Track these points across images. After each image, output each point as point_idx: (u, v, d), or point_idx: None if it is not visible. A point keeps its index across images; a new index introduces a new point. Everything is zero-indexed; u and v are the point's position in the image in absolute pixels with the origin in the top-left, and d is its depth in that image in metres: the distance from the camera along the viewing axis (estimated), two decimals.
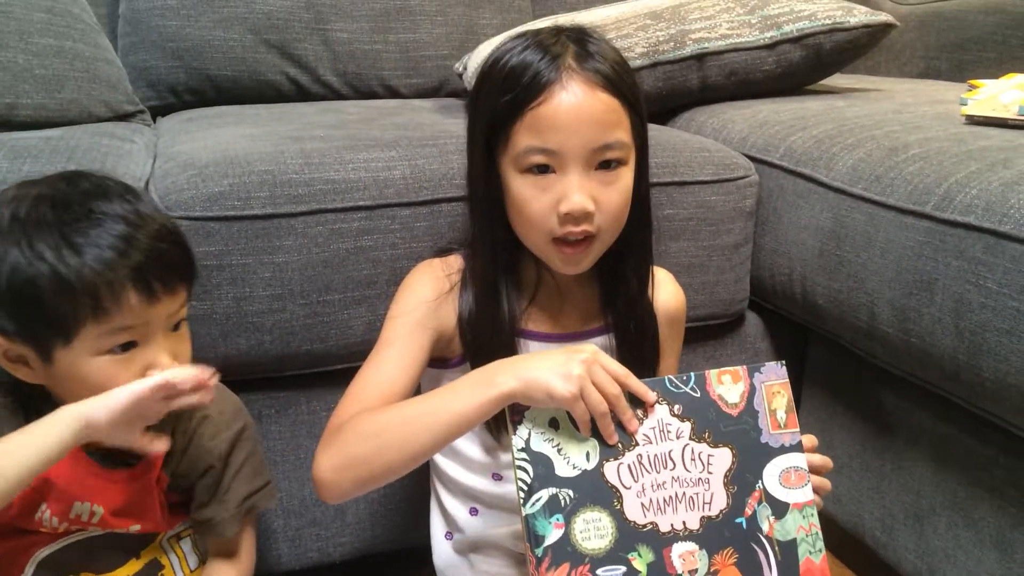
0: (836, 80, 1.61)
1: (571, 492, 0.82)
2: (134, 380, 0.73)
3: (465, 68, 1.44)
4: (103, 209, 0.73)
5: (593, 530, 0.80)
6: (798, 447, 0.81)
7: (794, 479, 0.81)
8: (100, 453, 0.81)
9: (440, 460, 0.96)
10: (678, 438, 0.81)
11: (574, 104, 0.79)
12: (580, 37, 0.83)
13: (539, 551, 0.83)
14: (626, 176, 0.84)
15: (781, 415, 0.82)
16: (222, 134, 1.15)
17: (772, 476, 0.80)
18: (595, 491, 0.81)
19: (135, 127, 1.27)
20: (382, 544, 1.13)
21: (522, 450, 0.85)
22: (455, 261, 0.92)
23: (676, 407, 0.82)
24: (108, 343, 0.73)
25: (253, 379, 1.02)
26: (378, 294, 1.01)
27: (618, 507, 0.80)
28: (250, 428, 0.87)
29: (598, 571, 0.79)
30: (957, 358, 0.88)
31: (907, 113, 1.19)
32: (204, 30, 1.49)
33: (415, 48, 1.62)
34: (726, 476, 0.81)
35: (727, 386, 0.83)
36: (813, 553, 0.79)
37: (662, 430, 0.81)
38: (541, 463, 0.84)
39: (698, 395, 0.82)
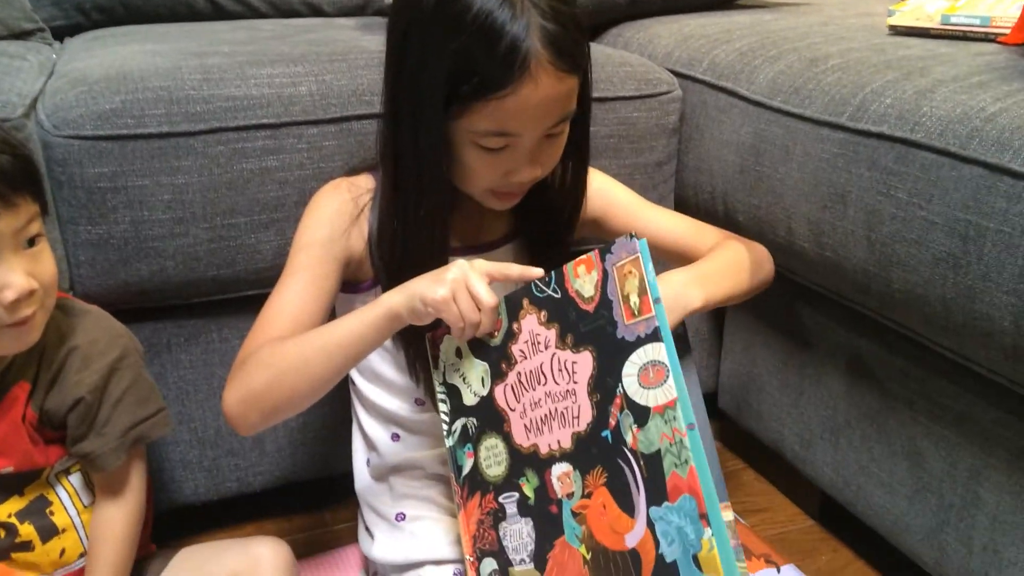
0: None
1: (475, 420, 0.81)
2: None
3: None
4: None
5: (493, 457, 0.79)
6: (655, 335, 0.66)
7: (653, 376, 0.65)
8: None
9: (362, 384, 0.94)
10: (546, 348, 0.74)
11: (542, 98, 0.74)
12: None
13: (460, 481, 0.82)
14: (567, 126, 0.81)
15: (635, 300, 0.67)
16: (122, 51, 1.09)
17: (631, 377, 0.67)
18: (490, 417, 0.79)
19: (32, 45, 1.20)
20: (303, 472, 1.12)
21: (441, 384, 0.84)
22: (364, 181, 0.89)
23: (543, 314, 0.74)
24: None
25: (159, 307, 0.99)
26: (286, 216, 0.97)
27: (507, 431, 0.78)
28: (131, 356, 0.83)
29: (499, 499, 0.78)
30: (868, 270, 0.88)
31: (833, 25, 1.17)
32: None
33: None
34: (589, 384, 0.70)
35: (582, 278, 0.71)
36: (679, 466, 0.63)
37: (533, 343, 0.75)
38: (454, 394, 0.83)
39: (559, 296, 0.73)
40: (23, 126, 0.89)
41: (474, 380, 0.80)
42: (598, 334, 0.70)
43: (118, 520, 0.85)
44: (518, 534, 0.76)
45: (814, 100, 0.94)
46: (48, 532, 0.84)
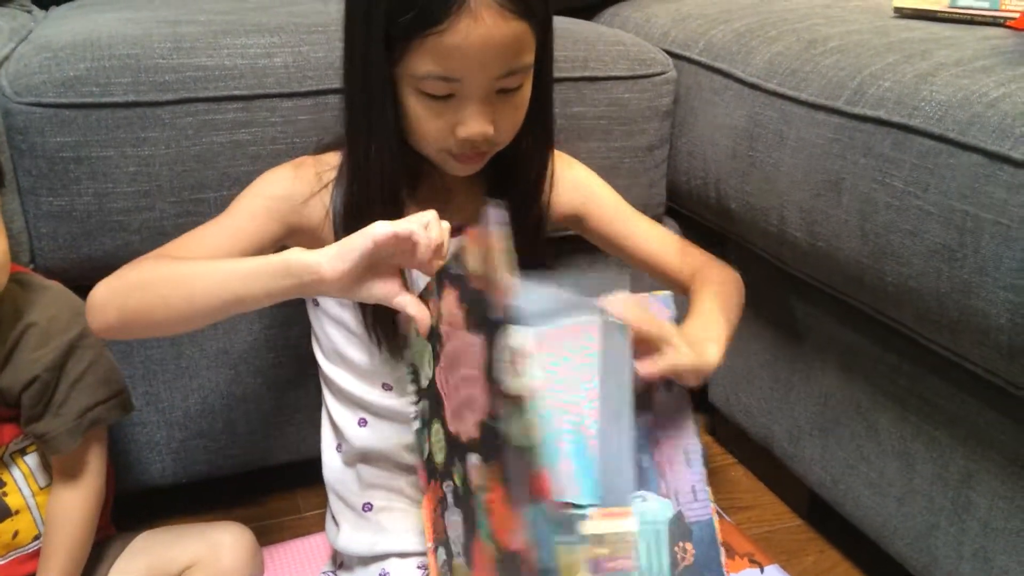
0: None
1: (427, 404, 0.77)
2: None
3: None
4: None
5: (438, 443, 0.75)
6: (514, 317, 0.59)
7: (516, 363, 0.58)
8: None
9: (328, 368, 0.91)
10: (460, 330, 0.67)
11: (483, 36, 0.70)
12: None
13: (424, 467, 0.79)
14: (525, 88, 0.77)
15: (500, 276, 0.59)
16: (98, 19, 1.05)
17: (501, 362, 0.60)
18: (435, 400, 0.75)
19: (7, 12, 1.17)
20: (274, 457, 1.09)
21: (410, 364, 0.80)
22: (332, 158, 0.85)
23: (456, 293, 0.67)
24: None
25: None
26: None
27: (443, 416, 0.73)
28: (92, 335, 0.80)
29: (443, 486, 0.74)
30: (861, 262, 0.84)
31: (837, 7, 1.13)
32: None
33: None
34: (485, 369, 0.63)
35: (472, 253, 0.63)
36: (541, 463, 0.57)
37: (452, 323, 0.69)
38: (417, 376, 0.79)
39: (462, 273, 0.65)
40: None
41: (426, 362, 0.76)
42: (484, 314, 0.62)
43: (75, 504, 0.82)
44: (455, 525, 0.71)
45: (810, 83, 0.90)
46: (1, 514, 0.81)
